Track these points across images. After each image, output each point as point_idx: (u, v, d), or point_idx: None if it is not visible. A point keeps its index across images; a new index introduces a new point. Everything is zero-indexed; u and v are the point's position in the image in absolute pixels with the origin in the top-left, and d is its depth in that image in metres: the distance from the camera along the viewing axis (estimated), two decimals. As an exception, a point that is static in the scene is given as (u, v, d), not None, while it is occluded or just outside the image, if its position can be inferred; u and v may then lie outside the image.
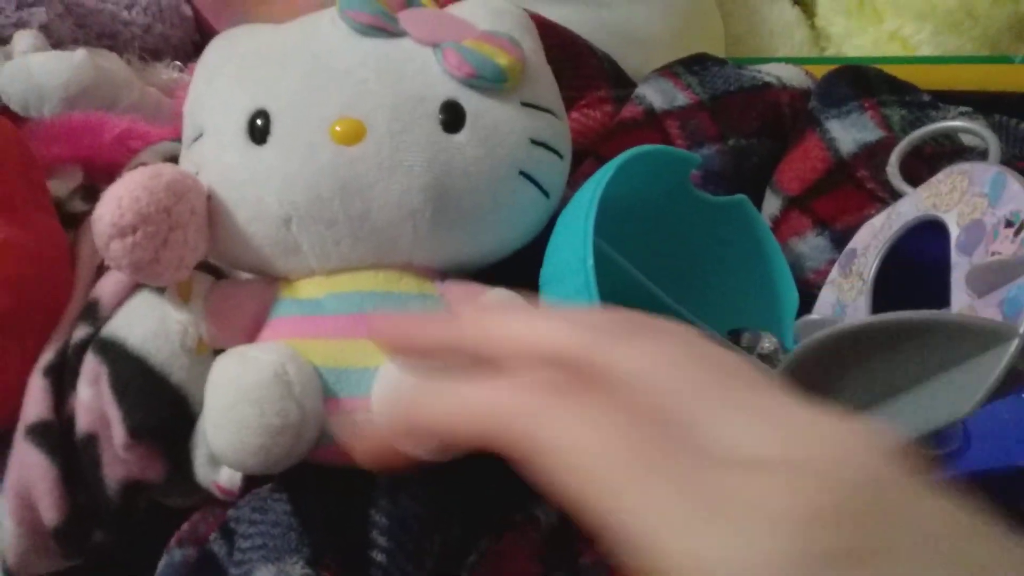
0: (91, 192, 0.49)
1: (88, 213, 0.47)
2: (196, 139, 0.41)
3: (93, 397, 0.38)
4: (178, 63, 0.71)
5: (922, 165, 0.44)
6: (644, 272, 0.39)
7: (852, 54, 0.73)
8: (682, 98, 0.50)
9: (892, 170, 0.44)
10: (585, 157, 0.49)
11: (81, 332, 0.39)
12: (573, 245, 0.36)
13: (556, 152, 0.41)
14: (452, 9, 0.43)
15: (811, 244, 0.45)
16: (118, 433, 0.37)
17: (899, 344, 0.34)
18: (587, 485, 0.21)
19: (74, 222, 0.46)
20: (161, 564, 0.37)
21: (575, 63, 0.52)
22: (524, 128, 0.40)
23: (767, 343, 0.43)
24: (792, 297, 0.44)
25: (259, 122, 0.38)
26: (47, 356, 0.39)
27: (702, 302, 0.44)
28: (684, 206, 0.44)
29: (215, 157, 0.39)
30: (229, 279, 0.42)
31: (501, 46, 0.40)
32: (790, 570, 0.18)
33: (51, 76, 0.56)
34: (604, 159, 0.48)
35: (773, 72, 0.51)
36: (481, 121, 0.39)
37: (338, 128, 0.38)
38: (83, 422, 0.38)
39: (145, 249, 0.35)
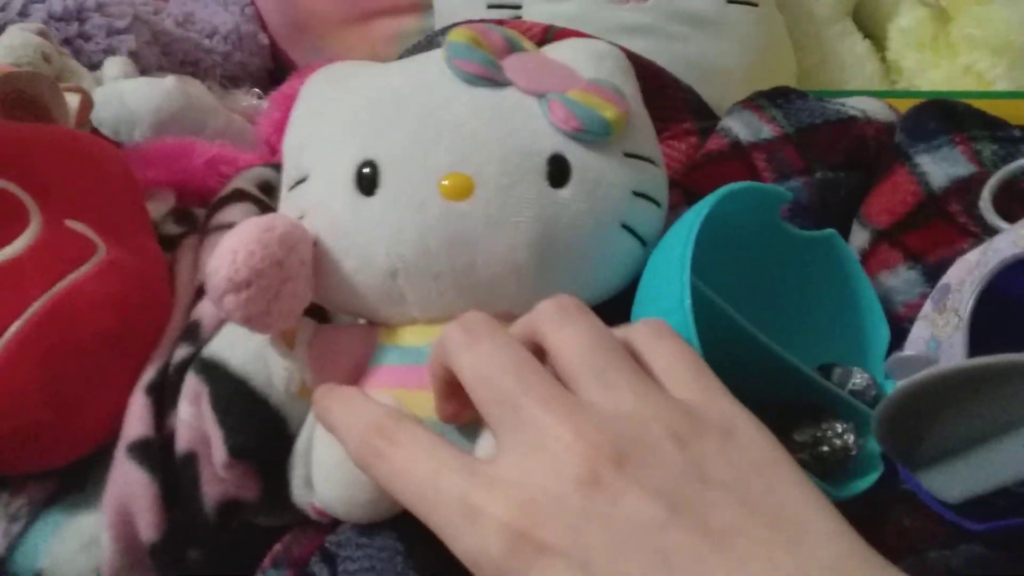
0: (183, 215, 0.51)
1: (182, 236, 0.48)
2: (300, 182, 0.41)
3: (194, 416, 0.38)
4: (257, 90, 0.72)
5: (1015, 202, 0.44)
6: (735, 307, 0.39)
7: (925, 88, 0.73)
8: (767, 131, 0.50)
9: (985, 204, 0.44)
10: (671, 188, 0.49)
11: (182, 352, 0.40)
12: (670, 286, 0.36)
13: (655, 202, 0.41)
14: (552, 51, 0.43)
15: (902, 278, 0.45)
16: (218, 452, 0.37)
17: (1002, 385, 0.34)
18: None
19: (168, 244, 0.48)
20: (259, 583, 0.38)
21: (660, 95, 0.52)
22: (627, 181, 0.40)
23: (859, 378, 0.42)
24: (883, 332, 0.44)
25: (367, 171, 0.38)
26: (149, 374, 0.40)
27: (791, 337, 0.43)
28: (773, 241, 0.44)
29: (322, 205, 0.39)
30: (331, 324, 0.42)
31: (607, 98, 0.40)
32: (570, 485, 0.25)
33: (143, 102, 0.57)
34: (690, 190, 0.48)
35: (856, 105, 0.51)
36: (586, 175, 0.39)
37: (447, 183, 0.38)
38: (183, 440, 0.38)
39: (258, 303, 0.36)
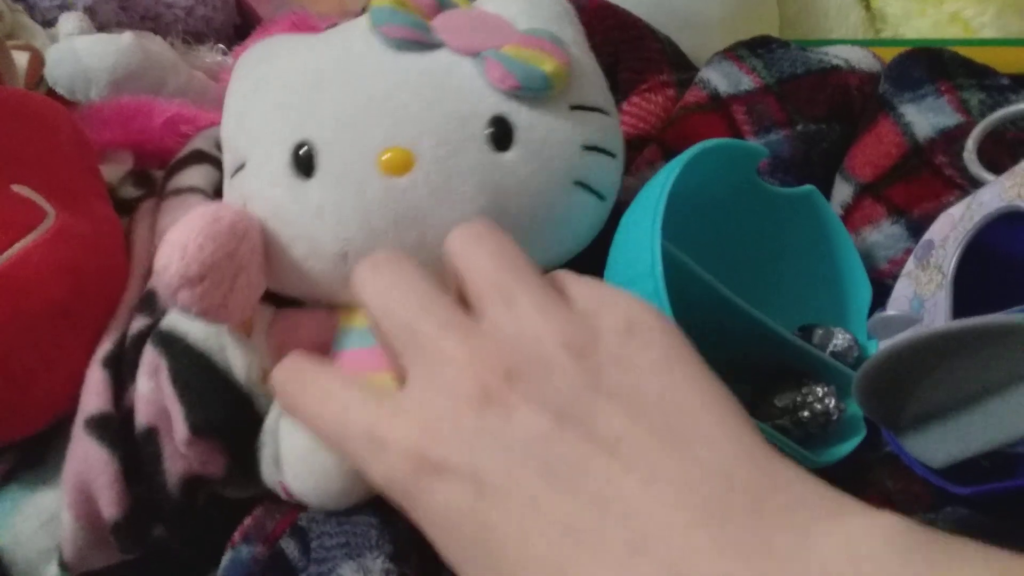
0: (142, 178, 0.49)
1: (140, 199, 0.46)
2: (239, 169, 0.39)
3: (153, 390, 0.37)
4: (221, 46, 0.70)
5: (1003, 151, 0.43)
6: (711, 268, 0.38)
7: (910, 36, 0.71)
8: (747, 82, 0.48)
9: (969, 156, 0.42)
10: (647, 143, 0.48)
11: (139, 323, 0.38)
12: (640, 252, 0.35)
13: (609, 153, 0.40)
14: (485, 3, 0.41)
15: (886, 232, 0.43)
16: (179, 429, 0.36)
17: (984, 347, 0.33)
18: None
19: (127, 208, 0.46)
20: (226, 560, 0.36)
21: (636, 46, 0.50)
22: (576, 135, 0.38)
23: (840, 340, 0.41)
24: (865, 290, 0.42)
25: (303, 154, 0.37)
26: (105, 347, 0.38)
27: (771, 297, 0.42)
28: (751, 199, 0.42)
29: (262, 192, 0.38)
30: (290, 309, 0.41)
31: (544, 49, 0.38)
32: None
33: (98, 59, 0.55)
34: (667, 145, 0.47)
35: (840, 54, 0.50)
36: (531, 135, 0.38)
37: (385, 158, 0.36)
38: (143, 415, 0.37)
39: (214, 297, 0.35)
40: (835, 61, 0.49)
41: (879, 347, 0.40)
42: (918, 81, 0.46)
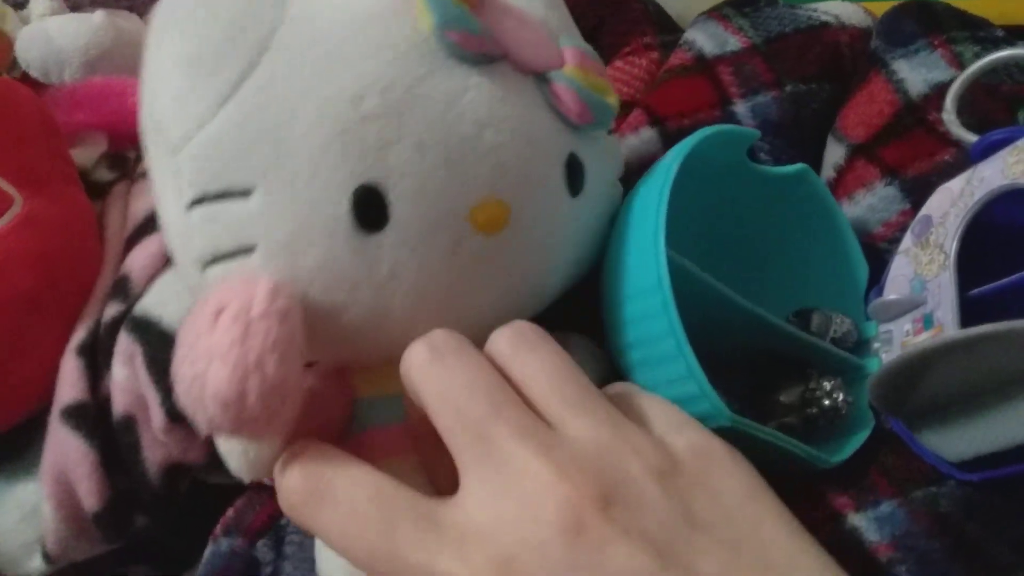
0: (117, 160, 0.48)
1: (114, 182, 0.46)
2: (227, 196, 0.29)
3: (129, 377, 0.36)
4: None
5: (999, 106, 0.41)
6: (703, 252, 0.36)
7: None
8: (734, 42, 0.47)
9: (949, 116, 0.40)
10: (631, 108, 0.46)
11: (113, 309, 0.38)
12: (644, 264, 0.33)
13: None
14: None
15: (879, 195, 0.42)
16: (156, 416, 0.35)
17: (1003, 347, 0.32)
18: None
19: (100, 192, 0.45)
20: (208, 552, 0.36)
21: (619, 8, 0.49)
22: (616, 167, 0.36)
23: (839, 324, 0.40)
24: (861, 268, 0.41)
25: (372, 202, 0.29)
26: (79, 335, 0.38)
27: (765, 278, 0.41)
28: (742, 180, 0.41)
29: (300, 243, 0.29)
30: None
31: (603, 75, 0.34)
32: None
33: (70, 39, 0.54)
34: (652, 109, 0.45)
35: (830, 11, 0.48)
36: (595, 176, 0.34)
37: (480, 214, 0.30)
38: (119, 403, 0.36)
39: (286, 417, 0.28)
40: (824, 18, 0.47)
41: (883, 344, 0.38)
42: (910, 35, 0.45)
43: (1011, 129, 0.37)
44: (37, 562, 0.38)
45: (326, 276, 0.29)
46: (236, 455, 0.29)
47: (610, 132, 0.37)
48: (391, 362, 0.30)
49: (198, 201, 0.29)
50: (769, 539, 0.25)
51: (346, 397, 0.32)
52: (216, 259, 0.29)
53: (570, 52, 0.33)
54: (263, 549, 0.35)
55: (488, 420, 0.25)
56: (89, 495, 0.36)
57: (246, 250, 0.29)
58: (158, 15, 0.31)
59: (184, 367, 0.27)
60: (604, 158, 0.35)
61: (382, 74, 0.29)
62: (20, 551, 0.38)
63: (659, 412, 0.29)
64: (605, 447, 0.25)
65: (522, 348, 0.28)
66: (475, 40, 0.30)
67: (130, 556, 0.40)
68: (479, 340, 0.31)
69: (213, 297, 0.27)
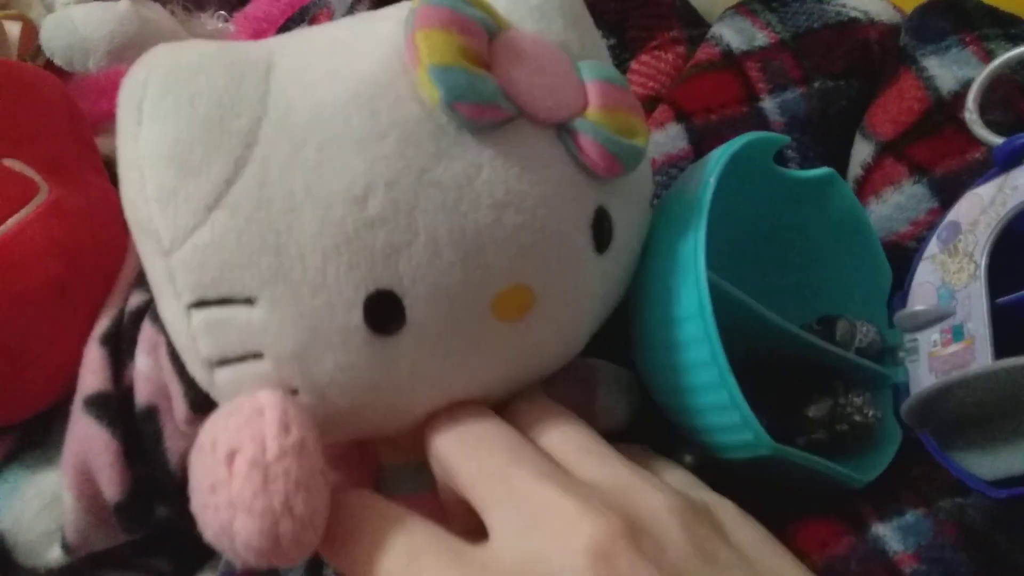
0: (140, 150, 0.47)
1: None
2: (229, 302, 0.27)
3: (152, 368, 0.36)
4: (223, 13, 0.68)
5: (1032, 104, 0.41)
6: (727, 259, 0.36)
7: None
8: (761, 37, 0.46)
9: (971, 116, 0.40)
10: (657, 103, 0.46)
11: (137, 299, 0.38)
12: (684, 290, 0.32)
13: None
14: (524, 22, 0.30)
15: (907, 193, 0.42)
16: (179, 406, 0.35)
17: None
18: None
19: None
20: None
21: (645, 1, 0.48)
22: (646, 204, 0.34)
23: (863, 333, 0.39)
24: (885, 273, 0.40)
25: (386, 306, 0.27)
26: (103, 324, 0.38)
27: (788, 284, 0.41)
28: (765, 183, 0.40)
29: (313, 353, 0.27)
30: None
31: (630, 109, 0.30)
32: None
33: (95, 28, 0.53)
34: (678, 105, 0.45)
35: (858, 6, 0.48)
36: (622, 223, 0.31)
37: (503, 303, 0.28)
38: (143, 394, 0.36)
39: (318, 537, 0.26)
40: (853, 13, 0.47)
41: (916, 371, 0.38)
42: (941, 32, 0.44)
43: (1037, 132, 0.37)
44: (56, 552, 0.38)
45: (344, 381, 0.28)
46: None
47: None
48: (416, 432, 0.30)
49: (198, 304, 0.27)
50: None
51: (370, 467, 0.32)
52: (224, 362, 0.28)
53: (593, 89, 0.29)
54: None
55: (509, 465, 0.26)
56: (111, 485, 0.36)
57: (255, 355, 0.27)
58: (126, 96, 0.27)
59: (207, 515, 0.26)
60: (634, 199, 0.33)
61: (387, 165, 0.26)
62: (39, 540, 0.38)
63: (673, 472, 0.30)
64: (625, 486, 0.26)
65: (537, 416, 0.29)
66: (488, 109, 0.27)
67: (149, 548, 0.40)
68: (506, 399, 0.31)
69: (221, 439, 0.26)
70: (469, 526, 0.27)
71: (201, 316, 0.27)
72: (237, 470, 0.25)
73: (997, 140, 0.38)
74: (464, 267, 0.27)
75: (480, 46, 0.27)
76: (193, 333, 0.27)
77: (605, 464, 0.27)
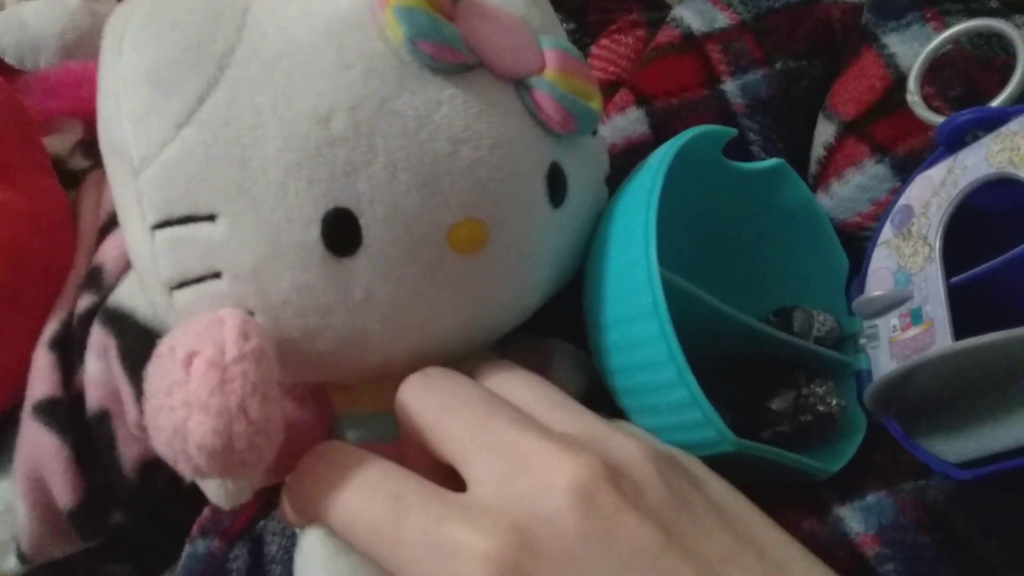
0: (92, 147, 0.46)
1: (89, 170, 0.44)
2: (191, 220, 0.28)
3: (102, 371, 0.35)
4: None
5: (993, 79, 0.40)
6: (680, 254, 0.36)
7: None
8: (722, 19, 0.45)
9: (913, 98, 0.39)
10: (618, 87, 0.45)
11: (86, 301, 0.37)
12: (636, 288, 0.31)
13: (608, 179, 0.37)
14: None
15: (869, 173, 0.41)
16: (131, 410, 0.35)
17: (1000, 355, 0.31)
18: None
19: (75, 180, 0.44)
20: (184, 554, 0.35)
21: (605, -15, 0.48)
22: (600, 170, 0.35)
23: (821, 323, 0.39)
24: (840, 261, 0.40)
25: (343, 226, 0.28)
26: (52, 327, 0.37)
27: (742, 277, 0.40)
28: (715, 176, 0.39)
29: (270, 270, 0.28)
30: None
31: (586, 76, 0.32)
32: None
33: (46, 24, 0.53)
34: (639, 89, 0.44)
35: (821, -16, 0.47)
36: (579, 183, 0.33)
37: (457, 234, 0.29)
38: (93, 398, 0.35)
39: (272, 452, 0.27)
40: (816, -9, 0.46)
41: (875, 354, 0.38)
42: (902, 8, 0.43)
43: (977, 109, 0.36)
44: (12, 562, 0.37)
45: (298, 302, 0.28)
46: (214, 488, 0.29)
47: (594, 134, 0.35)
48: (370, 380, 0.31)
49: (161, 225, 0.28)
50: (759, 532, 0.26)
51: (326, 416, 0.32)
52: (183, 283, 0.28)
53: (551, 55, 0.31)
54: (239, 552, 0.34)
55: (486, 417, 0.26)
56: (64, 493, 0.35)
57: (214, 275, 0.28)
58: (109, 31, 0.29)
59: (161, 418, 0.26)
60: (588, 164, 0.34)
61: (350, 91, 0.28)
62: (-5, 550, 0.37)
63: (639, 430, 0.31)
64: (602, 435, 0.26)
65: (502, 375, 0.29)
66: (448, 51, 0.29)
67: (108, 554, 0.40)
68: (461, 353, 0.32)
69: (180, 343, 0.26)
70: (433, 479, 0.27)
71: (164, 235, 0.28)
72: (195, 370, 0.25)
73: (939, 119, 0.37)
74: (420, 192, 0.28)
75: (444, 1, 0.29)
76: (155, 254, 0.28)
77: (577, 417, 0.27)
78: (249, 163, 0.27)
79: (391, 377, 0.30)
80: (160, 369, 0.26)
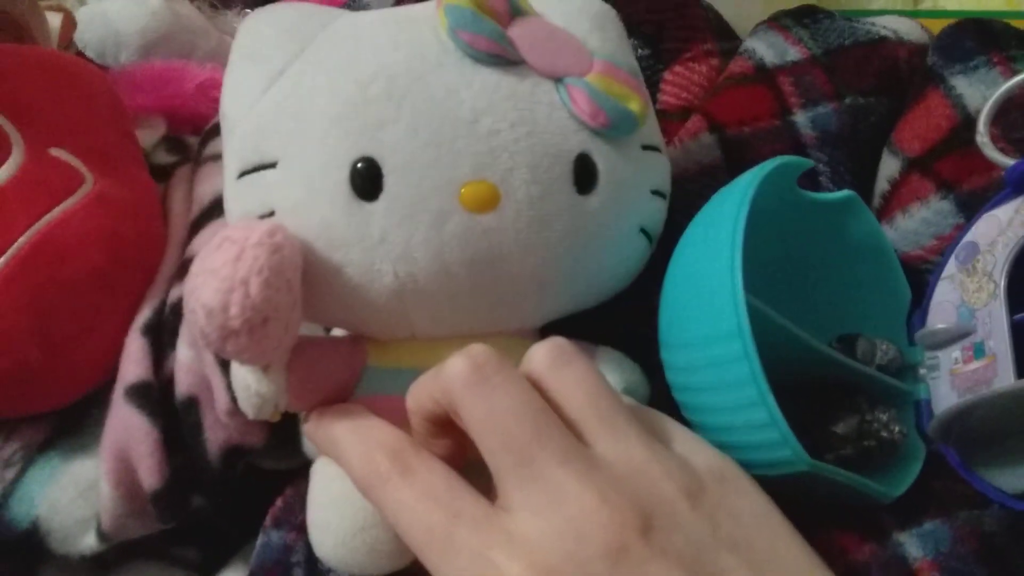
0: (175, 144, 0.48)
1: (175, 166, 0.46)
2: (262, 167, 0.33)
3: (193, 359, 0.36)
4: (248, 10, 0.69)
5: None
6: (750, 278, 0.37)
7: (951, 8, 0.70)
8: (793, 52, 0.47)
9: (982, 139, 0.41)
10: (690, 113, 0.47)
11: (178, 292, 0.38)
12: (720, 308, 0.32)
13: (665, 196, 0.38)
14: (552, 15, 0.36)
15: (934, 208, 0.42)
16: (220, 398, 0.35)
17: None
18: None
19: (160, 174, 0.45)
20: (259, 544, 0.36)
21: (679, 14, 0.49)
22: (646, 179, 0.36)
23: (883, 351, 0.40)
24: (904, 292, 0.41)
25: (366, 171, 0.32)
26: (144, 314, 0.38)
27: (807, 304, 0.41)
28: (788, 204, 0.40)
29: (306, 206, 0.32)
30: (309, 339, 0.35)
31: (629, 85, 0.35)
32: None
33: (128, 22, 0.54)
34: (712, 116, 0.45)
35: (888, 25, 0.48)
36: (612, 177, 0.34)
37: (468, 192, 0.32)
38: (183, 384, 0.37)
39: (272, 339, 0.30)
40: (883, 32, 0.48)
41: (942, 388, 0.38)
42: (969, 52, 0.45)
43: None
44: (91, 539, 0.38)
45: (326, 237, 0.32)
46: (241, 389, 0.33)
47: (656, 150, 0.37)
48: (399, 339, 0.35)
49: (244, 173, 0.33)
50: (784, 556, 0.27)
51: (359, 364, 0.35)
52: None
53: (598, 63, 0.35)
54: (299, 546, 0.35)
55: (533, 445, 0.27)
56: (149, 474, 0.36)
57: (270, 213, 0.33)
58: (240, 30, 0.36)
59: (188, 282, 0.30)
60: (630, 167, 0.35)
61: (393, 65, 0.33)
62: (75, 528, 0.38)
63: (674, 429, 0.31)
64: (640, 469, 0.27)
65: (559, 362, 0.29)
66: (485, 41, 0.33)
67: (180, 538, 0.41)
68: (479, 335, 0.33)
69: (223, 234, 0.30)
70: (441, 440, 0.30)
71: (244, 182, 0.34)
72: (222, 247, 0.30)
73: (1009, 161, 0.39)
74: (437, 148, 0.32)
75: (500, 9, 0.34)
76: (236, 198, 0.34)
77: (621, 440, 0.28)
78: (304, 115, 0.33)
79: (418, 339, 0.35)
80: (204, 251, 0.31)
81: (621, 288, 0.38)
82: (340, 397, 0.34)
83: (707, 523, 0.27)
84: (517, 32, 0.34)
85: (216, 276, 0.29)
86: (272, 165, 0.33)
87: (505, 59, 0.34)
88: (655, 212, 0.37)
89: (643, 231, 0.36)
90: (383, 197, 0.32)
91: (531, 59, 0.34)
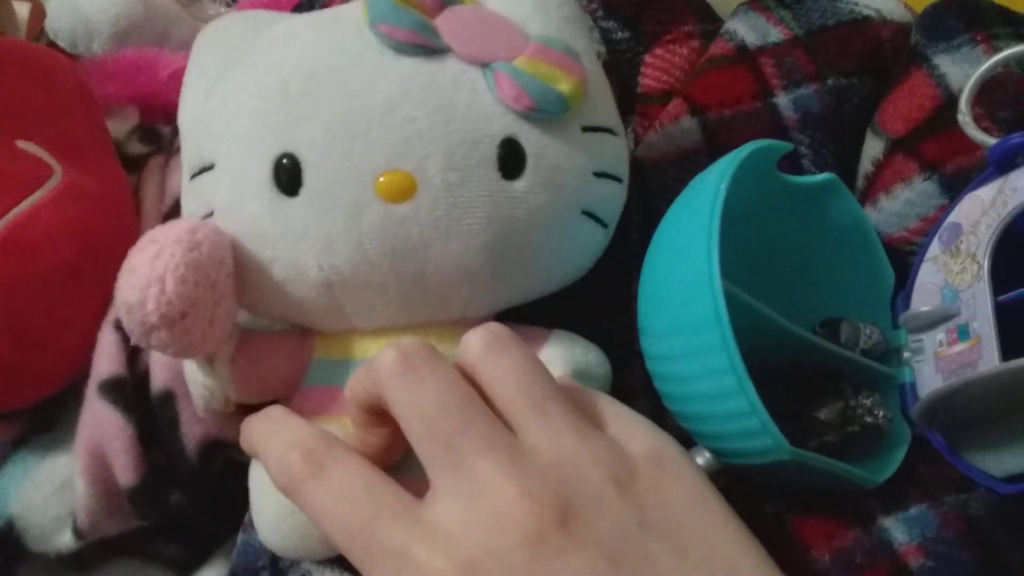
0: (148, 133, 0.47)
1: (147, 156, 0.45)
2: (203, 170, 0.35)
3: (168, 352, 0.36)
4: (223, -3, 0.68)
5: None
6: (730, 264, 0.36)
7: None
8: (775, 34, 0.46)
9: (964, 119, 0.40)
10: (671, 96, 0.46)
11: (152, 283, 0.37)
12: (698, 296, 0.32)
13: (617, 179, 0.37)
14: (492, 1, 0.36)
15: (918, 190, 0.42)
16: (196, 391, 0.35)
17: None
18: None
19: (133, 165, 0.44)
20: (240, 541, 0.36)
21: (660, -5, 0.49)
22: (588, 161, 0.36)
23: (867, 335, 0.39)
24: (888, 277, 0.41)
25: (287, 168, 0.33)
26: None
27: (790, 288, 0.41)
28: (767, 188, 0.40)
29: (237, 205, 0.34)
30: (256, 332, 0.37)
31: (560, 65, 0.35)
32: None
33: (100, 10, 0.53)
34: (693, 99, 0.45)
35: (871, 4, 0.48)
36: (542, 161, 0.34)
37: (384, 182, 0.33)
38: (159, 378, 0.36)
39: (194, 334, 0.31)
40: (866, 11, 0.47)
41: (922, 374, 0.38)
42: (952, 31, 0.44)
43: (1030, 131, 0.37)
44: (67, 537, 0.38)
45: (255, 234, 0.33)
46: (190, 382, 0.34)
47: (612, 133, 0.37)
48: (343, 331, 0.35)
49: (192, 176, 0.35)
50: (714, 542, 0.27)
51: (306, 357, 0.36)
52: None
53: (530, 45, 0.35)
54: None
55: (457, 434, 0.27)
56: (125, 470, 0.36)
57: (210, 213, 0.34)
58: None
59: (117, 280, 0.32)
60: (565, 150, 0.35)
61: (313, 64, 0.34)
62: (50, 525, 0.38)
63: (613, 412, 0.30)
64: (567, 457, 0.27)
65: (491, 349, 0.29)
66: (404, 32, 0.34)
67: (160, 534, 0.40)
68: (421, 326, 0.35)
69: (152, 231, 0.32)
70: (376, 431, 0.30)
71: (191, 184, 0.35)
72: (145, 245, 0.31)
73: (991, 141, 0.38)
74: (352, 141, 0.33)
75: (426, 2, 0.34)
76: (186, 198, 0.36)
77: (550, 427, 0.28)
78: (231, 117, 0.34)
79: (361, 331, 0.35)
80: (131, 251, 0.32)
81: (577, 275, 0.38)
82: (288, 389, 0.35)
83: (634, 510, 0.27)
84: (445, 21, 0.34)
85: (135, 274, 0.31)
86: (211, 167, 0.34)
87: (428, 48, 0.34)
88: (604, 195, 0.37)
89: (589, 215, 0.36)
90: (303, 192, 0.33)
91: (457, 47, 0.34)
